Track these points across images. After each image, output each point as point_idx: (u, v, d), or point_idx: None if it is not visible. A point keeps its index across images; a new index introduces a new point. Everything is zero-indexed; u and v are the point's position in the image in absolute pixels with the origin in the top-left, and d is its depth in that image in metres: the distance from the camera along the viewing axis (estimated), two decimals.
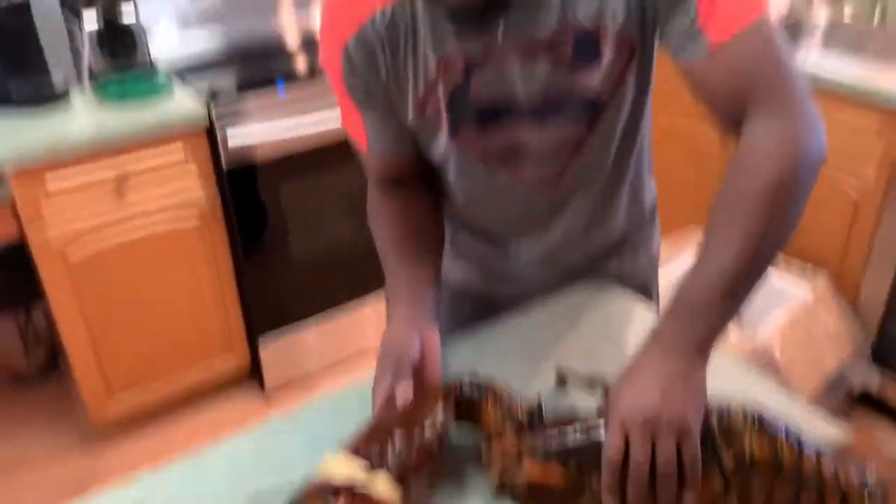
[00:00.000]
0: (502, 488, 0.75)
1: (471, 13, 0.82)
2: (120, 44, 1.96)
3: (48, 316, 2.43)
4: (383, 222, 1.03)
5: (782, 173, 0.75)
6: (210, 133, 1.89)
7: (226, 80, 2.09)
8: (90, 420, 2.08)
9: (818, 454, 0.74)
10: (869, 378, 2.12)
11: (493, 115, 0.91)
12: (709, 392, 0.73)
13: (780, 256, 2.15)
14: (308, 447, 0.84)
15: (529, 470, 0.73)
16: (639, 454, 0.68)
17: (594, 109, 0.91)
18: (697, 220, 2.45)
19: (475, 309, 1.16)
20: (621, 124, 0.95)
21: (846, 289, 2.14)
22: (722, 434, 0.72)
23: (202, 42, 2.26)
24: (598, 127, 0.93)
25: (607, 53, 0.86)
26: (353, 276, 2.30)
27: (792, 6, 2.51)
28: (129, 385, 2.09)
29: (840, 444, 0.81)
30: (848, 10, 2.44)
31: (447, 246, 1.14)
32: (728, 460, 0.71)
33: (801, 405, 0.87)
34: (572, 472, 0.72)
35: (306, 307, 2.27)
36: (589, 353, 0.98)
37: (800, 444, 0.74)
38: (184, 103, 1.89)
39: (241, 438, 0.88)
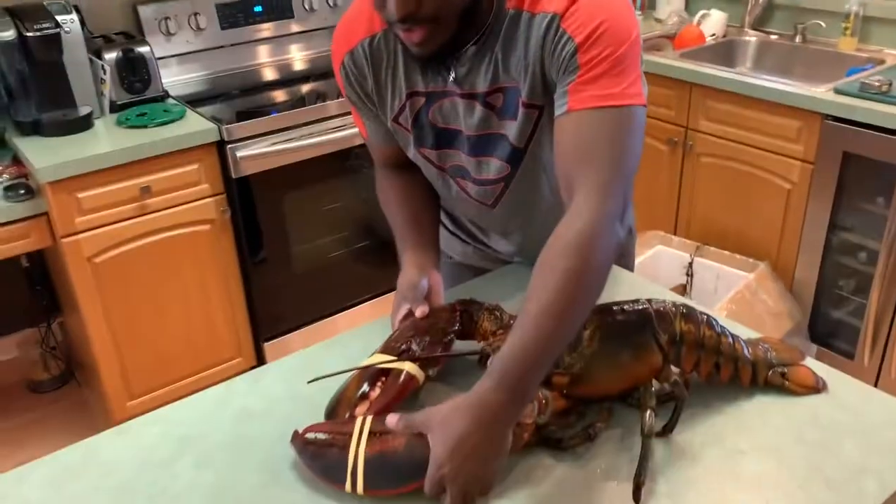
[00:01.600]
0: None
1: (430, 59, 1.01)
2: (137, 76, 2.21)
3: (66, 330, 2.62)
4: (389, 200, 1.28)
5: (578, 272, 0.87)
6: (220, 148, 2.15)
7: (226, 111, 2.35)
8: (111, 423, 2.25)
9: (733, 337, 1.00)
10: (807, 351, 2.38)
11: (445, 139, 1.13)
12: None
13: (727, 253, 2.44)
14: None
15: None
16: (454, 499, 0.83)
17: (515, 154, 1.09)
18: (653, 224, 2.73)
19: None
20: (546, 168, 1.11)
21: (783, 276, 2.43)
22: (658, 318, 0.96)
23: (201, 78, 2.56)
24: (518, 169, 1.11)
25: (521, 110, 1.04)
26: (347, 285, 2.56)
27: (727, 29, 2.84)
28: (147, 389, 2.27)
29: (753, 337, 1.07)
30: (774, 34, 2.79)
31: (446, 220, 1.39)
32: (663, 338, 0.96)
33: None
34: None
35: (304, 314, 2.52)
36: None
37: (719, 329, 0.99)
38: (196, 124, 2.14)
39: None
